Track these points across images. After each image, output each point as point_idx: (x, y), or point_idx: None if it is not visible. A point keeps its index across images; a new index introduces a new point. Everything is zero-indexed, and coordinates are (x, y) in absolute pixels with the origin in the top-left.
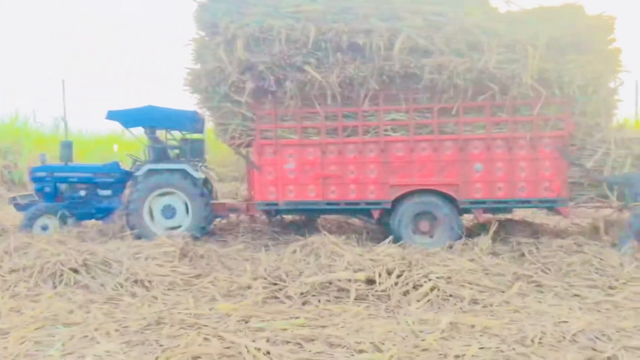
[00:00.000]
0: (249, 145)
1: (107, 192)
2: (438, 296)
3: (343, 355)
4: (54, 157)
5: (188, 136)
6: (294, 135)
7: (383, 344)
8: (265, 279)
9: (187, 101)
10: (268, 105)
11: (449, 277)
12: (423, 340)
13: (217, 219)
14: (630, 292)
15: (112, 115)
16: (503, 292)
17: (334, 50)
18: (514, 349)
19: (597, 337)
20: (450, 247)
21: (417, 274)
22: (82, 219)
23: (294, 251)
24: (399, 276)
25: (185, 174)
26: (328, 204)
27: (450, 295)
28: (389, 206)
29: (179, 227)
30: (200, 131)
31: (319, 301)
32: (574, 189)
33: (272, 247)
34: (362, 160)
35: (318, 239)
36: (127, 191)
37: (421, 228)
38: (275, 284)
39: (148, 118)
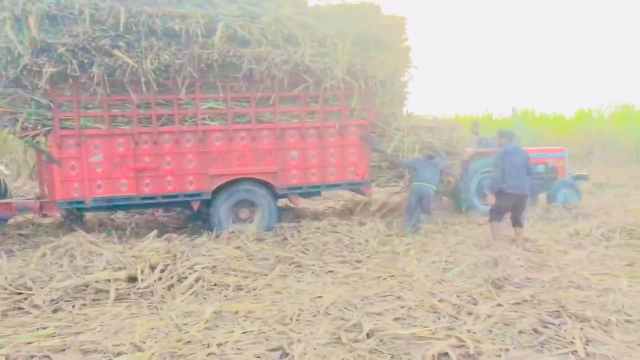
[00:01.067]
0: (44, 136)
1: None
2: (203, 286)
3: None
4: None
5: None
6: (100, 125)
7: (144, 342)
8: (6, 289)
9: None
10: (68, 91)
11: (214, 267)
12: (186, 332)
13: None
14: (373, 264)
15: None
16: (266, 275)
17: (146, 35)
18: (274, 328)
19: (345, 308)
20: (217, 236)
21: (182, 267)
22: None
23: (44, 254)
24: (162, 270)
25: None
26: (143, 198)
27: (215, 285)
28: (209, 197)
29: None
30: None
31: (73, 306)
32: (375, 172)
33: (18, 251)
34: (179, 150)
35: (73, 238)
36: None
37: (241, 216)
38: (19, 293)
39: None
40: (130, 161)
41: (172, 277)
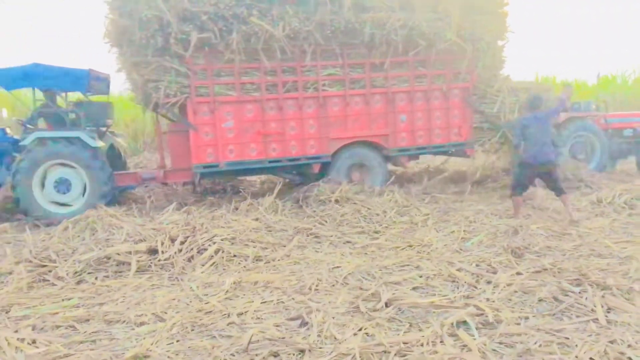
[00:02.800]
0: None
1: None
2: (223, 258)
3: (122, 331)
4: None
5: (87, 98)
6: (232, 92)
7: (166, 313)
8: (31, 261)
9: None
10: (203, 59)
11: (234, 238)
12: (207, 303)
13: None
14: (391, 234)
15: None
16: (285, 246)
17: (279, 2)
18: (293, 298)
19: (363, 277)
20: (236, 208)
21: (202, 239)
22: None
23: (66, 228)
24: (182, 243)
25: (81, 142)
26: (271, 162)
27: (235, 256)
28: (329, 159)
29: (69, 206)
30: (105, 92)
31: (96, 278)
32: (477, 134)
33: (42, 226)
34: (301, 116)
35: (94, 212)
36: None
37: (353, 178)
38: (43, 265)
39: (33, 78)
40: (259, 126)
41: (191, 249)
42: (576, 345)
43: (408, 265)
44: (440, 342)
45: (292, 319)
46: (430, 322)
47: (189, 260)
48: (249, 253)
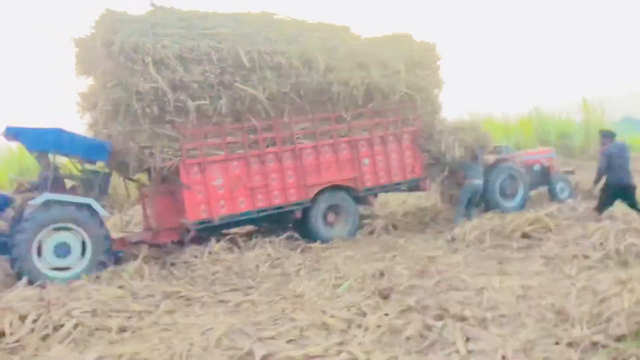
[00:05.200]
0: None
1: None
2: (83, 332)
3: None
4: None
5: (91, 168)
6: (219, 152)
7: None
8: None
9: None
10: (190, 124)
11: (94, 310)
12: None
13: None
14: (264, 288)
15: (12, 133)
16: (152, 313)
17: (259, 69)
18: None
19: (237, 336)
20: (97, 277)
21: (58, 314)
22: None
23: None
24: (35, 321)
25: (91, 210)
26: (258, 211)
27: (96, 329)
28: (309, 204)
29: (68, 269)
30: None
31: None
32: (429, 170)
33: None
34: (281, 167)
35: None
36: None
37: (329, 220)
38: None
39: (58, 143)
40: (245, 181)
41: (46, 327)
42: None
43: (282, 318)
44: None
45: None
46: None
47: (44, 339)
48: (112, 324)
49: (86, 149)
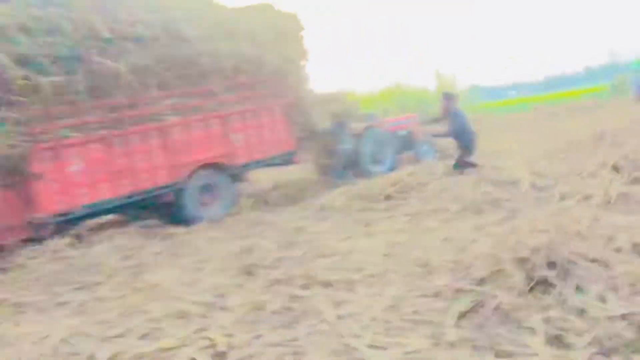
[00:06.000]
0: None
1: None
2: None
3: None
4: None
5: None
6: (76, 133)
7: None
8: None
9: None
10: (40, 103)
11: None
12: None
13: None
14: (114, 283)
15: None
16: None
17: (118, 40)
18: None
19: (79, 340)
20: None
21: None
22: None
23: None
24: None
25: None
26: (126, 197)
27: None
28: (181, 185)
29: None
30: None
31: None
32: (300, 142)
33: None
34: (148, 147)
35: None
36: None
37: (203, 200)
38: None
39: None
40: (109, 165)
41: None
42: (308, 352)
43: (133, 312)
44: None
45: None
46: None
47: None
48: None
49: None
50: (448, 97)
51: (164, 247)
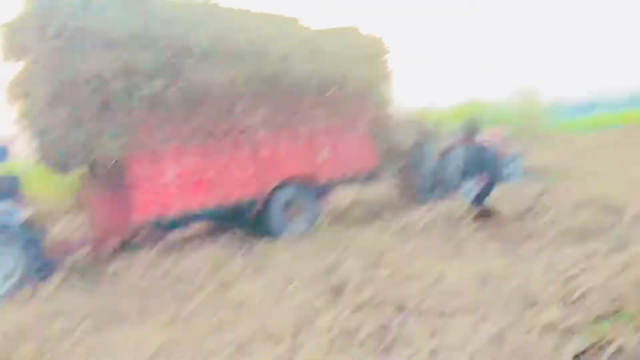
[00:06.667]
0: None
1: None
2: None
3: None
4: None
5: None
6: (171, 144)
7: None
8: None
9: None
10: (140, 113)
11: (5, 333)
12: None
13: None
14: (205, 296)
15: None
16: (74, 333)
17: (212, 55)
18: None
19: (172, 353)
20: (12, 295)
21: None
22: None
23: None
24: None
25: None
26: (215, 207)
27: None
28: (267, 198)
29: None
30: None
31: None
32: (384, 161)
33: None
34: (237, 160)
35: None
36: None
37: (287, 215)
38: None
39: None
40: (200, 175)
41: None
42: None
43: (222, 329)
44: None
45: None
46: None
47: None
48: (27, 351)
49: None
50: (468, 129)
51: (250, 260)
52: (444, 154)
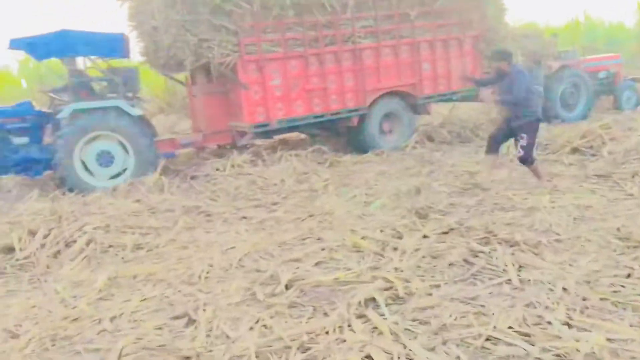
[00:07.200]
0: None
1: (23, 140)
2: (96, 250)
3: None
4: None
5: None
6: (277, 49)
7: (20, 325)
8: None
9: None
10: (250, 17)
11: (108, 225)
12: (74, 307)
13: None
14: (290, 205)
15: (18, 44)
16: (170, 229)
17: None
18: (180, 290)
19: (261, 257)
20: (114, 189)
21: (70, 229)
22: None
23: None
24: (46, 236)
25: (119, 111)
26: (315, 117)
27: (110, 246)
28: (366, 111)
29: (123, 171)
30: (126, 56)
31: None
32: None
33: None
34: (340, 69)
35: None
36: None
37: (384, 128)
38: None
39: (65, 45)
40: (303, 82)
41: (57, 243)
42: (493, 314)
43: (309, 237)
44: (348, 326)
45: (176, 318)
46: (336, 303)
47: (55, 256)
48: (127, 241)
49: (99, 46)
50: (500, 57)
51: (333, 174)
52: (551, 75)
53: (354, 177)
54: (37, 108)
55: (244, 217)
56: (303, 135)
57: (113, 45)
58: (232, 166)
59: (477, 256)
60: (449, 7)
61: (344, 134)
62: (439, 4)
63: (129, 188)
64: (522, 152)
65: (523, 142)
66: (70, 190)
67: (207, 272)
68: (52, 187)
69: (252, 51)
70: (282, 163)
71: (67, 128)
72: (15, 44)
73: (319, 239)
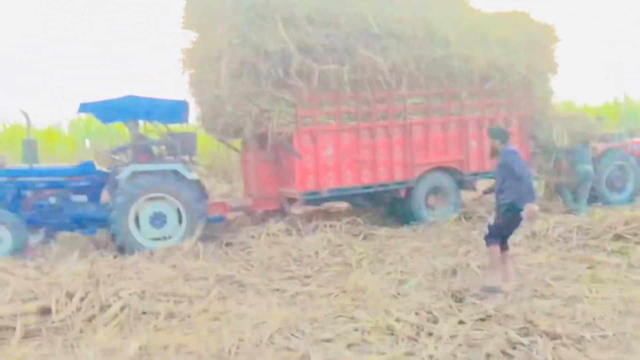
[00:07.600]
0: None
1: (82, 198)
2: (130, 316)
3: None
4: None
5: (173, 129)
6: (331, 121)
7: None
8: None
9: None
10: (306, 90)
11: (143, 292)
12: None
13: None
14: (323, 279)
15: (86, 108)
16: (203, 298)
17: (384, 36)
18: None
19: (292, 334)
20: (151, 254)
21: (106, 293)
22: (56, 230)
23: None
24: (82, 299)
25: (177, 175)
26: (364, 187)
27: (144, 313)
28: (414, 184)
29: (169, 237)
30: (185, 121)
31: None
32: (533, 158)
33: None
34: (390, 143)
35: None
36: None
37: (429, 202)
38: None
39: (131, 110)
40: (354, 154)
41: (93, 307)
42: None
43: (342, 316)
44: None
45: None
46: None
47: (90, 320)
48: (161, 309)
49: (162, 112)
50: (494, 135)
51: (368, 248)
52: (598, 157)
53: (389, 251)
54: (98, 168)
55: (277, 289)
56: (339, 205)
57: (175, 111)
58: (267, 235)
59: (515, 348)
60: (498, 87)
61: (387, 204)
62: (488, 86)
63: (165, 253)
64: (486, 230)
65: (491, 220)
66: (121, 248)
67: (238, 347)
68: (92, 247)
69: (308, 122)
70: (316, 234)
71: (126, 188)
72: (84, 108)
73: (351, 318)
